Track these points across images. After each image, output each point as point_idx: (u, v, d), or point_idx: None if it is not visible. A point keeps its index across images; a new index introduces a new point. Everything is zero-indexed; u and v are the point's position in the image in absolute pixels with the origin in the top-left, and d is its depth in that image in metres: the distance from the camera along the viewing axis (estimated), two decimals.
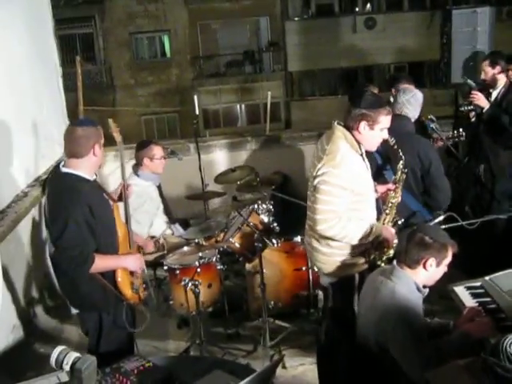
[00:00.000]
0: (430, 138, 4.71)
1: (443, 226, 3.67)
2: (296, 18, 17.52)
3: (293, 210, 5.02)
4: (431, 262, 2.95)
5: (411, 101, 4.27)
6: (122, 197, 3.65)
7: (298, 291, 4.80)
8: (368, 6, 16.94)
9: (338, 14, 16.79)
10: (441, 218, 3.68)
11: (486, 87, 5.29)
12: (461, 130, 4.86)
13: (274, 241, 4.84)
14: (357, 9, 16.70)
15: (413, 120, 4.33)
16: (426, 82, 14.98)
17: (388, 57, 15.04)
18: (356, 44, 15.10)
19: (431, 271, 2.98)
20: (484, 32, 6.28)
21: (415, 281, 3.00)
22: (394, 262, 3.12)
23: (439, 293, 3.65)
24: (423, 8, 15.05)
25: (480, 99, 5.12)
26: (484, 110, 5.19)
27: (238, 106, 18.64)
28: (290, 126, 15.23)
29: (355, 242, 3.45)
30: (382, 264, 3.49)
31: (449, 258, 2.99)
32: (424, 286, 3.06)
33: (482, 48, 6.14)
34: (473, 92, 5.18)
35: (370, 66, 15.60)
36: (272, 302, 4.71)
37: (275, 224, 4.83)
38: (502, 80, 5.29)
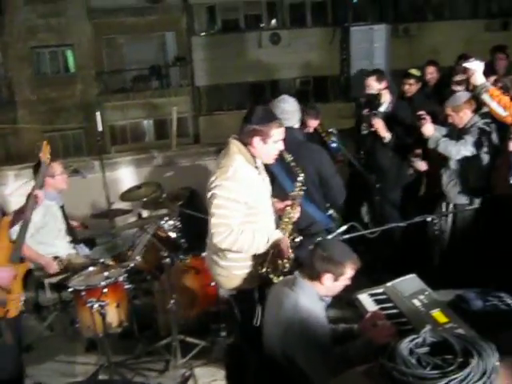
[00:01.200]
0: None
1: (346, 236, 3.77)
2: (202, 34, 17.58)
3: (201, 225, 4.99)
4: (328, 277, 3.01)
5: (285, 111, 4.35)
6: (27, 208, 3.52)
7: (208, 307, 4.77)
8: (273, 21, 17.27)
9: (243, 30, 17.00)
10: (343, 228, 3.78)
11: (371, 101, 5.53)
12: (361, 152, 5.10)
13: (182, 257, 4.82)
14: (262, 24, 16.98)
15: (297, 125, 4.42)
16: (330, 95, 15.50)
17: (293, 71, 15.38)
18: (262, 59, 15.35)
19: (328, 285, 3.04)
20: (381, 48, 6.55)
21: (317, 291, 3.06)
22: (296, 272, 3.17)
23: (347, 300, 3.75)
24: (325, 24, 15.54)
25: (380, 128, 5.35)
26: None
27: (146, 122, 18.42)
28: (199, 140, 15.22)
29: (253, 251, 3.48)
30: (278, 278, 3.53)
31: (348, 274, 3.05)
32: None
33: (379, 63, 6.40)
34: (375, 121, 5.38)
35: (276, 80, 15.89)
36: (182, 319, 4.65)
37: (183, 240, 4.79)
38: (386, 95, 5.55)
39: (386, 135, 5.39)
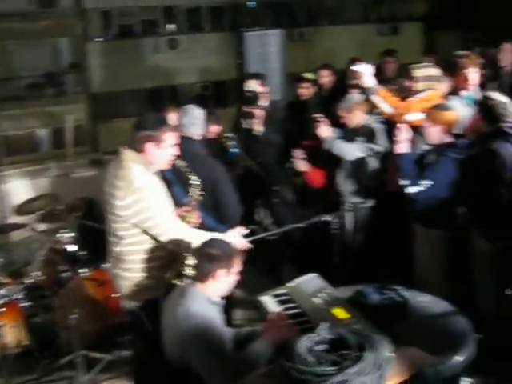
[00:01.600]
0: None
1: (247, 240, 3.80)
2: (98, 39, 17.14)
3: (101, 235, 4.86)
4: (221, 272, 3.03)
5: (191, 121, 4.37)
6: None
7: (112, 319, 4.66)
8: (170, 26, 17.16)
9: (140, 35, 16.72)
10: (245, 231, 3.80)
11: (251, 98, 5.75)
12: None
13: (82, 270, 4.68)
14: (159, 29, 16.81)
15: (199, 137, 4.41)
16: (228, 100, 15.63)
17: (192, 76, 15.27)
18: (160, 64, 15.14)
19: (222, 282, 3.06)
20: (276, 52, 6.67)
21: (209, 294, 3.06)
22: (187, 280, 3.18)
23: (252, 302, 3.78)
24: (223, 29, 15.60)
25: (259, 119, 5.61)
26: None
27: (41, 131, 17.72)
28: (97, 149, 14.82)
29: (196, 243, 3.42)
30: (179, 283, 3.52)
31: (237, 267, 3.10)
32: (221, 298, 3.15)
33: (274, 67, 6.52)
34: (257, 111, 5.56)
35: (175, 85, 15.77)
36: (85, 334, 4.51)
37: (82, 252, 4.65)
38: (265, 98, 5.84)
39: (261, 129, 5.66)
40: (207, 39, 15.37)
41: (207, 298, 3.06)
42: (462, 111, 4.71)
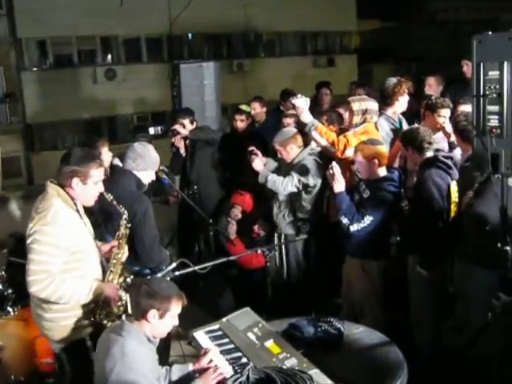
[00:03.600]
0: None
1: (177, 273, 3.74)
2: (33, 69, 16.80)
3: None
4: (153, 313, 2.94)
5: (133, 155, 4.32)
6: None
7: (42, 359, 4.46)
8: (108, 56, 17.02)
9: (77, 65, 16.52)
10: (173, 265, 3.73)
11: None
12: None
13: (10, 309, 4.50)
14: (97, 60, 16.65)
15: (140, 173, 4.35)
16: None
17: (130, 107, 15.20)
18: (97, 95, 14.99)
19: (155, 323, 2.97)
20: (211, 84, 6.70)
21: (145, 333, 2.98)
22: (123, 316, 3.09)
23: (188, 338, 3.70)
24: (161, 60, 15.62)
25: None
26: None
27: None
28: (33, 181, 14.45)
29: (74, 302, 3.34)
30: (110, 323, 3.41)
31: (174, 310, 3.01)
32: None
33: (209, 99, 6.55)
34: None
35: (113, 116, 15.61)
36: (12, 377, 4.31)
37: (10, 290, 4.47)
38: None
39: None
40: (145, 70, 15.37)
41: (143, 336, 2.97)
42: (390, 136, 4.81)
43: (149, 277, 3.57)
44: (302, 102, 4.86)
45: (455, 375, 4.10)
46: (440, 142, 4.81)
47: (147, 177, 4.36)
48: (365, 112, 4.85)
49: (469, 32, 4.22)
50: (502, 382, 3.35)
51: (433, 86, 6.44)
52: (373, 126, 4.97)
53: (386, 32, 19.62)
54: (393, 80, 5.41)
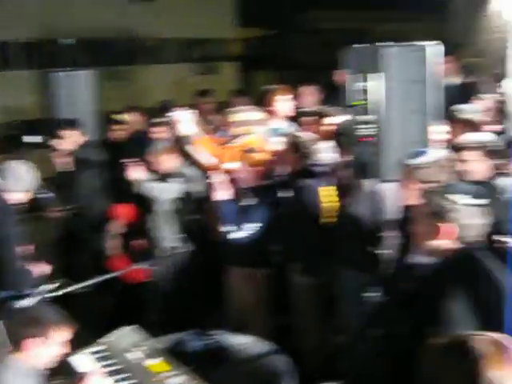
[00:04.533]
0: None
1: (58, 293, 3.56)
2: None
3: None
4: (31, 342, 2.77)
5: (8, 175, 4.09)
6: None
7: None
8: None
9: None
10: (52, 285, 3.54)
11: None
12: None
13: None
14: None
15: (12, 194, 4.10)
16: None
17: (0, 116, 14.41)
18: None
19: (34, 353, 2.79)
20: (87, 93, 6.44)
21: (25, 364, 2.79)
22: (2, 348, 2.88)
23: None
24: (33, 67, 14.91)
25: None
26: None
27: None
28: None
29: None
30: None
31: (57, 336, 2.84)
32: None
33: (85, 108, 6.29)
34: None
35: None
36: None
37: None
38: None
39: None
40: (16, 77, 14.58)
41: (23, 368, 2.77)
42: (271, 143, 4.89)
43: (21, 300, 3.35)
44: (179, 115, 4.82)
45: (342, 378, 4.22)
46: (322, 150, 4.94)
47: (19, 197, 4.13)
48: (246, 123, 4.88)
49: (346, 42, 4.37)
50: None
51: (309, 95, 6.59)
52: (255, 134, 5.00)
53: (268, 40, 19.96)
54: (271, 88, 5.49)
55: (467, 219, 2.43)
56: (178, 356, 3.27)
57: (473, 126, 4.44)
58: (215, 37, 18.35)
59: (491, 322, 2.17)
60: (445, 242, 2.46)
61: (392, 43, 3.98)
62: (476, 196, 2.48)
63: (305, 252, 4.32)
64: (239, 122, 4.88)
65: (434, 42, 3.87)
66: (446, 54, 6.78)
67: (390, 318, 3.04)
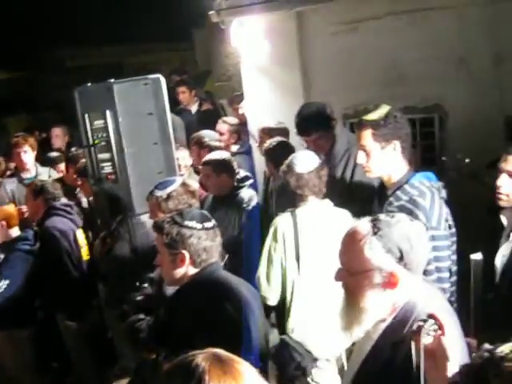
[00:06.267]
0: None
1: None
2: None
3: None
4: None
5: None
6: None
7: None
8: None
9: None
10: None
11: None
12: None
13: None
14: None
15: None
16: None
17: None
18: None
19: None
20: None
21: None
22: None
23: None
24: None
25: None
26: None
27: None
28: None
29: None
30: None
31: None
32: None
33: None
34: None
35: None
36: None
37: None
38: None
39: None
40: None
41: None
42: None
43: None
44: None
45: None
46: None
47: None
48: None
49: (98, 77, 4.33)
50: None
51: (59, 137, 6.43)
52: None
53: (17, 82, 18.96)
54: (17, 134, 5.36)
55: (202, 243, 2.50)
56: None
57: (211, 148, 4.77)
58: None
59: (234, 334, 2.26)
60: (184, 269, 2.50)
61: (123, 79, 4.02)
62: (206, 219, 2.56)
63: (69, 297, 4.15)
64: None
65: (157, 76, 3.97)
66: (192, 81, 7.15)
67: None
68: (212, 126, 5.54)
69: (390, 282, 1.81)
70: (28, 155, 5.28)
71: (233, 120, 5.76)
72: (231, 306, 2.40)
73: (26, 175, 5.31)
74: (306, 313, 3.41)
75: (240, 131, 5.58)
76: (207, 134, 5.18)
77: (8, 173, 5.74)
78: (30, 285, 4.18)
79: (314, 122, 3.99)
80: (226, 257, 2.85)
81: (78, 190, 5.09)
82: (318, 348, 3.24)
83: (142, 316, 3.03)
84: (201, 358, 1.37)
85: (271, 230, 3.47)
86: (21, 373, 4.15)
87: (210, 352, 1.40)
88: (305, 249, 3.38)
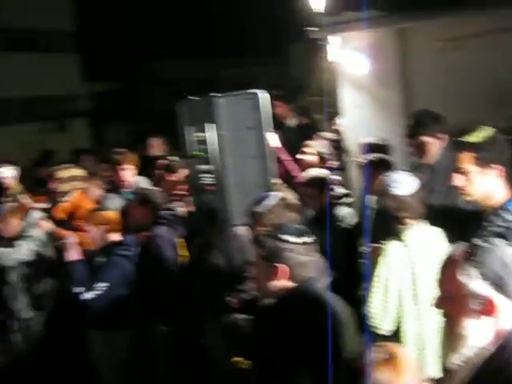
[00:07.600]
0: None
1: None
2: None
3: None
4: None
5: None
6: None
7: None
8: None
9: None
10: None
11: None
12: None
13: None
14: None
15: None
16: None
17: None
18: None
19: None
20: None
21: None
22: None
23: None
24: None
25: None
26: None
27: None
28: None
29: None
30: None
31: None
32: None
33: None
34: None
35: None
36: None
37: None
38: None
39: None
40: None
41: None
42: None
43: None
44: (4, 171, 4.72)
45: None
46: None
47: None
48: (71, 179, 4.86)
49: (193, 89, 4.45)
50: None
51: (156, 147, 6.61)
52: (83, 193, 5.00)
53: (118, 93, 19.89)
54: (119, 150, 5.49)
55: (299, 257, 2.51)
56: None
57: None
58: (61, 93, 17.80)
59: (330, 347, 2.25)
60: (281, 282, 2.52)
61: (225, 93, 4.10)
62: (305, 234, 2.57)
63: (165, 304, 4.24)
64: (66, 178, 4.84)
65: (258, 91, 4.02)
66: (286, 96, 7.19)
67: None
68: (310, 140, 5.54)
69: (487, 310, 1.78)
70: (127, 172, 5.37)
71: (331, 135, 5.75)
72: (325, 321, 2.39)
73: (125, 190, 5.43)
74: (422, 342, 3.21)
75: (339, 147, 5.57)
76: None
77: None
78: (127, 289, 4.33)
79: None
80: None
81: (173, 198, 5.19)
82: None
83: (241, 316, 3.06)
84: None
85: (383, 259, 3.24)
86: (114, 375, 4.30)
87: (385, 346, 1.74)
88: (419, 276, 3.19)
